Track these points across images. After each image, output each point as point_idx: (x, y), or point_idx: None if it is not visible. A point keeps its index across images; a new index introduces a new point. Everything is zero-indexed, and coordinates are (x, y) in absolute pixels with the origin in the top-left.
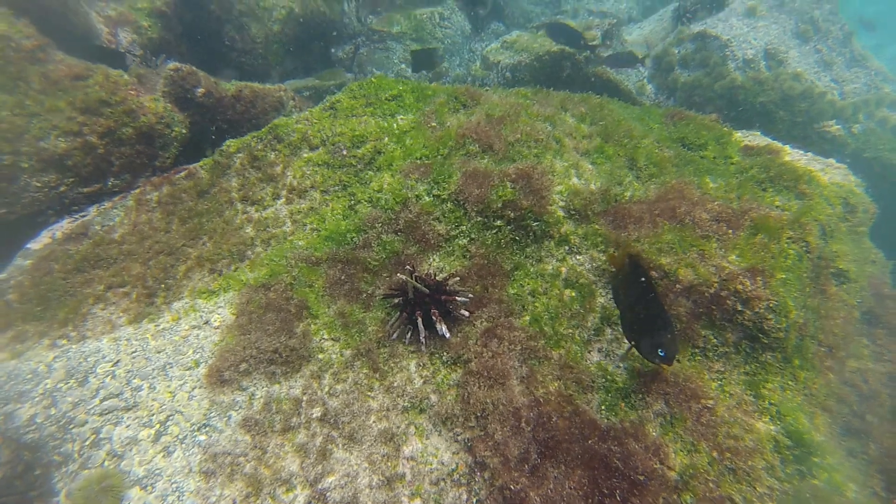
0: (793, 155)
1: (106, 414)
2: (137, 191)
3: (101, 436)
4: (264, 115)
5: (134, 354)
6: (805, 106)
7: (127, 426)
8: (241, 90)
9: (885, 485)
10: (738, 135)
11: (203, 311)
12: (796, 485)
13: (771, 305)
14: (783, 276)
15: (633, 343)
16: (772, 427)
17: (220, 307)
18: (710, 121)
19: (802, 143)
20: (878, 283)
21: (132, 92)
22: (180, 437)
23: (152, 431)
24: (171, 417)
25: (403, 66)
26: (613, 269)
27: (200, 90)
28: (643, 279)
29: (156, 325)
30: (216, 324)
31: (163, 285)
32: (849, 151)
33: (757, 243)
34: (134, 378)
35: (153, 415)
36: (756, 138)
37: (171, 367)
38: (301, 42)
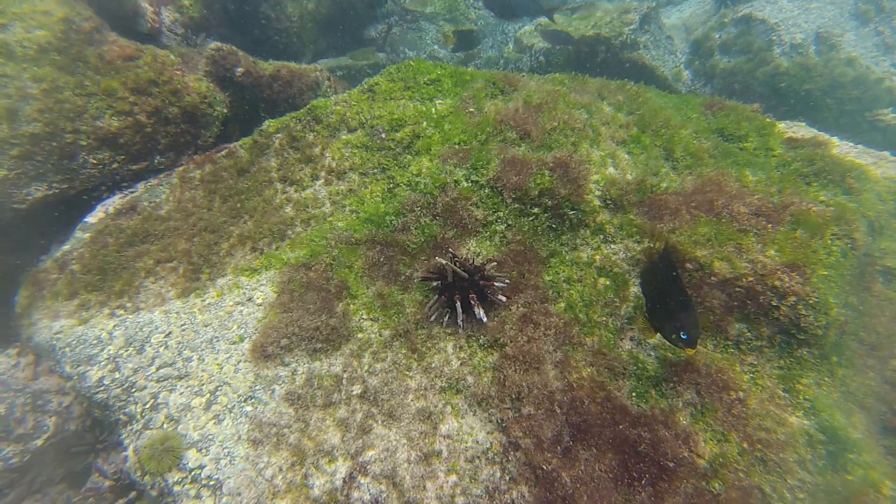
0: (841, 147)
1: (162, 381)
2: (181, 168)
3: (160, 401)
4: (300, 95)
5: (183, 327)
6: (857, 93)
7: (181, 393)
8: (279, 70)
9: None
10: (781, 126)
11: (246, 288)
12: (829, 479)
13: (810, 302)
14: (825, 272)
15: (656, 327)
16: (805, 422)
17: (262, 285)
18: (751, 111)
19: (851, 132)
20: None
21: (178, 72)
22: (229, 406)
23: (203, 400)
24: (219, 388)
25: (436, 46)
26: (646, 260)
27: (240, 69)
28: (671, 267)
29: (202, 300)
30: (259, 301)
31: (207, 262)
32: None
33: (798, 238)
34: (185, 349)
35: (203, 384)
36: (801, 129)
37: (218, 341)
38: (334, 21)
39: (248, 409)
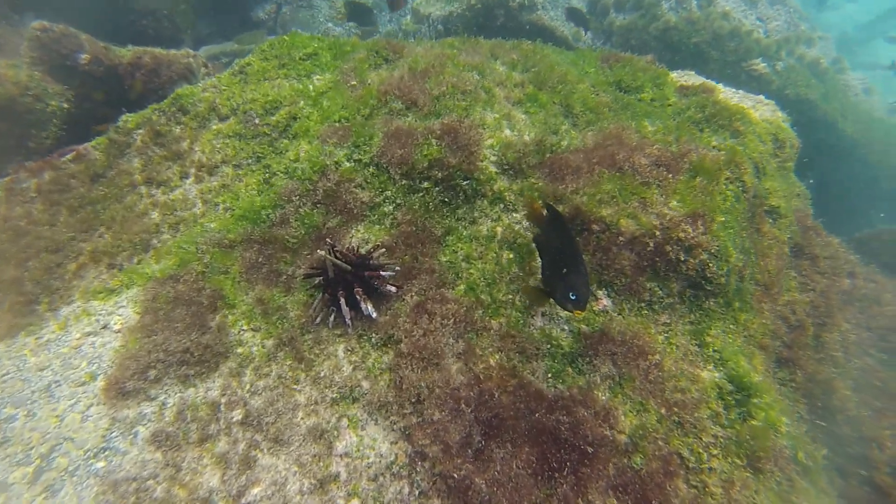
0: (725, 93)
1: None
2: (7, 179)
3: None
4: (171, 86)
5: (4, 378)
6: (734, 45)
7: None
8: (140, 57)
9: (807, 408)
10: (673, 75)
11: (100, 314)
12: (738, 429)
13: (713, 251)
14: (722, 218)
15: (549, 292)
16: (715, 374)
17: (121, 307)
18: (645, 62)
19: (734, 81)
20: (801, 215)
21: None
22: (70, 469)
23: (30, 470)
24: (57, 447)
25: (330, 24)
26: (533, 222)
27: (84, 56)
28: (560, 225)
29: (37, 338)
30: (117, 327)
31: (46, 289)
32: (773, 88)
33: (697, 186)
34: (3, 407)
35: (31, 448)
36: (691, 77)
37: (59, 386)
38: (215, 2)
39: (100, 465)
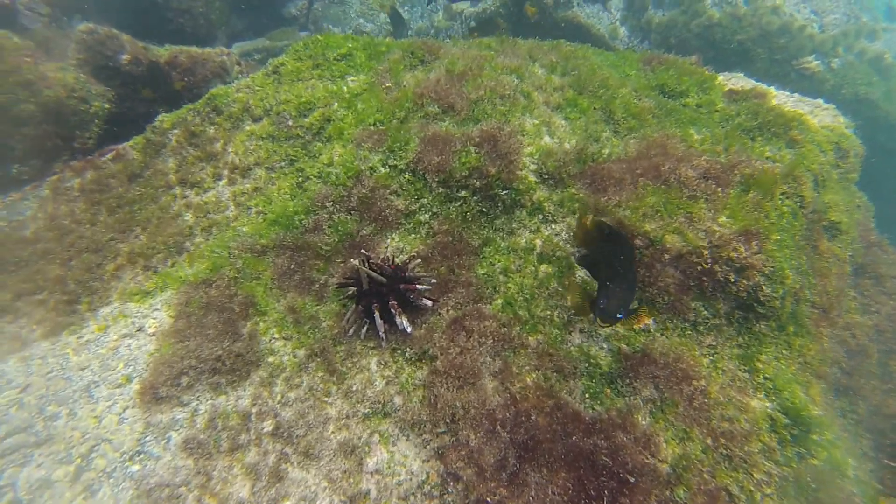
0: (779, 98)
1: (9, 454)
2: (54, 178)
3: (2, 482)
4: (206, 84)
5: (49, 375)
6: (784, 42)
7: (38, 465)
8: (176, 56)
9: (873, 444)
10: (720, 78)
11: (135, 316)
12: (795, 468)
13: (766, 272)
14: (778, 237)
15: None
16: (767, 404)
17: (155, 310)
18: (690, 64)
19: (782, 81)
20: (864, 229)
21: (27, 59)
22: (107, 470)
23: (71, 469)
24: (95, 448)
25: (362, 20)
26: (581, 242)
27: (125, 56)
28: (620, 240)
29: (78, 338)
30: (151, 330)
31: (87, 289)
32: (827, 88)
33: (749, 201)
34: (49, 404)
35: (72, 447)
36: (740, 80)
37: (98, 387)
38: None
39: (135, 468)
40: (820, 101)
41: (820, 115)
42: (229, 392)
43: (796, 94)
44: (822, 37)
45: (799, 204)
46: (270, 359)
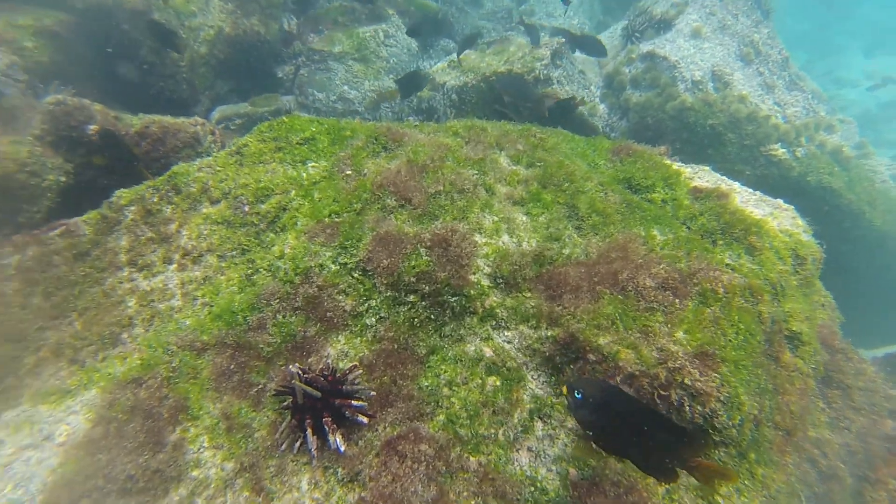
0: (742, 195)
1: None
2: None
3: None
4: (175, 154)
5: None
6: (752, 129)
7: None
8: (148, 126)
9: None
10: (686, 172)
11: (46, 422)
12: None
13: (722, 398)
14: (734, 355)
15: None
16: None
17: (72, 413)
18: (658, 156)
19: (752, 165)
20: (828, 333)
21: None
22: None
23: None
24: None
25: (346, 87)
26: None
27: (93, 127)
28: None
29: None
30: (61, 438)
31: None
32: (794, 175)
33: (706, 317)
34: None
35: None
36: (705, 175)
37: None
38: (234, 64)
39: None
40: (780, 201)
41: (779, 218)
42: None
43: (758, 193)
44: (786, 127)
45: (757, 318)
46: (195, 472)
